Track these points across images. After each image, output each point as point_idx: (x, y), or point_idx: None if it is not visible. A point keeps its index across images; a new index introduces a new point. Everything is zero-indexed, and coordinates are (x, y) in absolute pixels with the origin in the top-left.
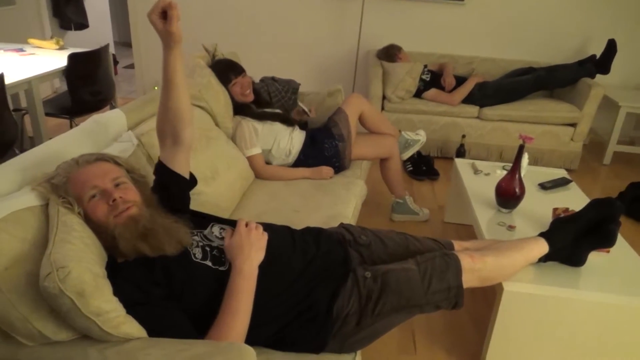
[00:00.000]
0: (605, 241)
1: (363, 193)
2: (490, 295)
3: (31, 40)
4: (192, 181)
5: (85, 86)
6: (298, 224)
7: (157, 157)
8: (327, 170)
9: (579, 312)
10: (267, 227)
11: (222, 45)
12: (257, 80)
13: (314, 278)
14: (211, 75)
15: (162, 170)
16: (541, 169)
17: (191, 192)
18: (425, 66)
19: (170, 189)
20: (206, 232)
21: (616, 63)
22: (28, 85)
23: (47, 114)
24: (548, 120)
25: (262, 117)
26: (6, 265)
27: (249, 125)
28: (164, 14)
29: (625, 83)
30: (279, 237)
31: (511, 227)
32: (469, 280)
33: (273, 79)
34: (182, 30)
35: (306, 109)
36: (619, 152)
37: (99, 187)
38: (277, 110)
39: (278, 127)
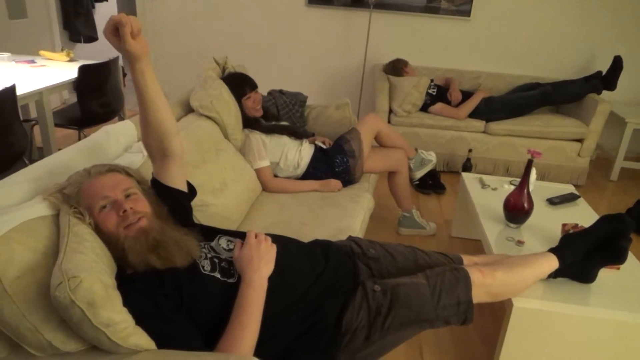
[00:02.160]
0: (616, 258)
1: (370, 206)
2: (498, 312)
3: (42, 52)
4: (191, 192)
5: (95, 98)
6: (306, 237)
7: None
8: (335, 183)
9: (590, 329)
10: (276, 239)
11: (230, 58)
12: (264, 93)
13: (323, 291)
14: (223, 87)
15: (156, 187)
16: (549, 184)
17: (200, 204)
18: (432, 80)
19: (169, 204)
20: (213, 244)
21: (622, 79)
22: (39, 96)
23: (56, 125)
24: (555, 135)
25: (270, 131)
26: (17, 275)
27: (257, 138)
28: (117, 31)
29: (631, 99)
30: (288, 249)
31: (520, 242)
32: (478, 295)
33: (280, 91)
34: (193, 41)
35: (321, 145)
36: (626, 168)
37: (110, 197)
38: (285, 123)
39: (286, 140)
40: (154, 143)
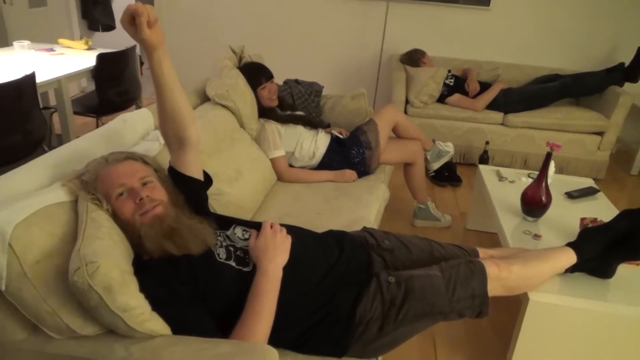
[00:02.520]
0: (636, 253)
1: (386, 197)
2: (513, 305)
3: (61, 41)
4: (207, 181)
5: (112, 86)
6: (320, 227)
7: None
8: (350, 173)
9: (607, 325)
10: (290, 230)
11: (247, 48)
12: (280, 83)
13: (337, 282)
14: (239, 77)
15: (173, 175)
16: (567, 177)
17: (215, 193)
18: (449, 71)
19: (185, 193)
20: (229, 233)
21: None
22: (58, 84)
23: (74, 113)
24: (574, 128)
25: (285, 120)
26: (37, 259)
27: (273, 127)
28: (134, 21)
29: None
30: (302, 240)
31: (537, 236)
32: (494, 288)
33: (296, 81)
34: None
35: (338, 135)
36: None
37: (127, 185)
38: (300, 113)
39: (301, 129)
40: (171, 131)
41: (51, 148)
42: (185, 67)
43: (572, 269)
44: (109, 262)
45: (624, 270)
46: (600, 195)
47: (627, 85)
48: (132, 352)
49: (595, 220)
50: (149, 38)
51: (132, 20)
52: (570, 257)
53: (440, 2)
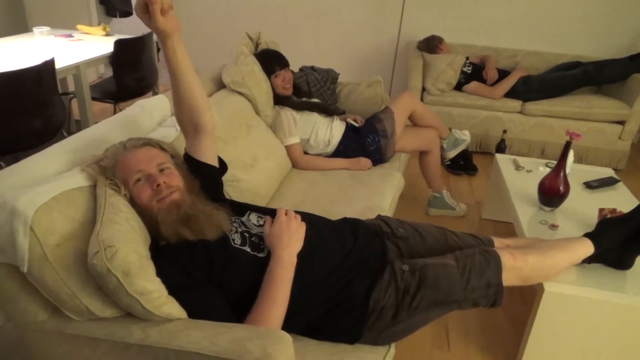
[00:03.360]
0: None
1: (400, 185)
2: (528, 295)
3: (79, 27)
4: (222, 167)
5: (130, 72)
6: (335, 214)
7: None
8: (365, 161)
9: (624, 317)
10: (305, 217)
11: (263, 34)
12: (296, 69)
13: (351, 270)
14: (255, 64)
15: (189, 162)
16: (587, 167)
17: (230, 180)
18: (467, 58)
19: (201, 179)
20: (244, 219)
21: None
22: (76, 70)
23: (93, 99)
24: (595, 117)
25: (301, 107)
26: (57, 242)
27: (288, 114)
28: (148, 9)
29: None
30: (317, 227)
31: (553, 226)
32: (509, 278)
33: (312, 68)
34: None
35: (353, 122)
36: None
37: (145, 171)
38: (316, 100)
39: (316, 117)
40: (186, 118)
41: (70, 134)
42: (201, 53)
43: (589, 260)
44: (127, 246)
45: None
46: (620, 185)
47: None
48: (149, 334)
49: (614, 210)
50: (163, 26)
51: (145, 9)
52: (587, 248)
53: None
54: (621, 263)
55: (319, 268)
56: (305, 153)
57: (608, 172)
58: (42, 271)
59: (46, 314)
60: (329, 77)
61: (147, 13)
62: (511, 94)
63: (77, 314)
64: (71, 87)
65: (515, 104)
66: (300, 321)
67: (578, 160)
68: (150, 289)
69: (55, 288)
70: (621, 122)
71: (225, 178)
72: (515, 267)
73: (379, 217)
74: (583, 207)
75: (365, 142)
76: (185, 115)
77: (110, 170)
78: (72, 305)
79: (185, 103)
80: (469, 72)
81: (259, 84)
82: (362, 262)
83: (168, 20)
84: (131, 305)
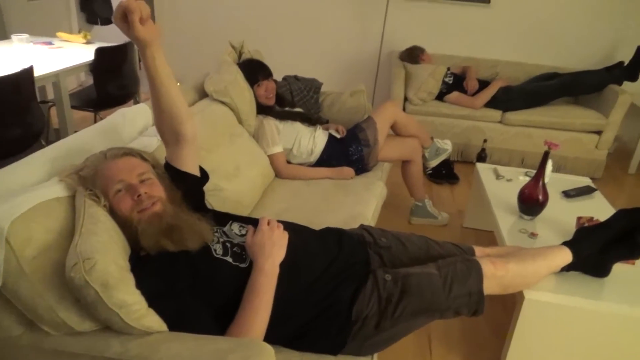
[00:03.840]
0: (632, 253)
1: (383, 194)
2: (509, 303)
3: (60, 34)
4: (204, 177)
5: (111, 80)
6: (318, 223)
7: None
8: (348, 170)
9: (602, 324)
10: (288, 226)
11: (247, 43)
12: (279, 78)
13: (334, 279)
14: (238, 73)
15: (170, 171)
16: (565, 176)
17: (213, 189)
18: (448, 69)
19: (182, 189)
20: (225, 229)
21: None
22: (56, 77)
23: (72, 107)
24: (572, 127)
25: (283, 117)
26: (34, 254)
27: (271, 124)
28: (127, 17)
29: None
30: (300, 236)
31: (533, 235)
32: (490, 286)
33: (296, 77)
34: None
35: (335, 133)
36: None
37: (125, 181)
38: (299, 110)
39: (299, 126)
40: (166, 127)
41: (49, 142)
42: (185, 62)
43: (567, 268)
44: (106, 258)
45: (619, 269)
46: (597, 194)
47: (626, 84)
48: (128, 348)
49: (591, 219)
50: (142, 35)
51: (124, 17)
52: (566, 256)
53: None
54: (599, 271)
55: (301, 277)
56: (289, 162)
57: (585, 181)
58: (18, 284)
59: (21, 328)
60: (312, 87)
61: (125, 22)
62: (492, 103)
63: (54, 328)
64: (50, 95)
65: (496, 113)
66: (283, 331)
67: (557, 169)
68: (129, 301)
69: (31, 301)
70: (598, 132)
71: (207, 187)
72: (496, 275)
73: (361, 226)
74: (562, 215)
75: (348, 151)
76: (166, 124)
77: (90, 180)
78: (49, 319)
79: (165, 112)
80: (450, 82)
81: (242, 93)
82: (345, 271)
83: (146, 29)
84: (110, 318)
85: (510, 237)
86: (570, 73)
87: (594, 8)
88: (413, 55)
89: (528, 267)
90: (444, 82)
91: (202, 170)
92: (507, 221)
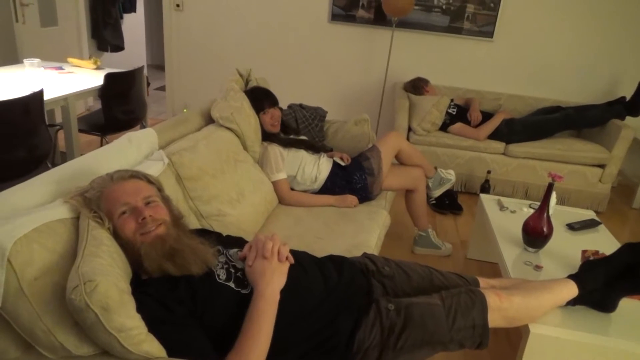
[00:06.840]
0: (638, 287)
1: (386, 223)
2: (513, 337)
3: (70, 59)
4: None
5: (119, 105)
6: (320, 251)
7: (184, 177)
8: (351, 198)
9: (608, 359)
10: (290, 253)
11: (253, 71)
12: (285, 106)
13: (335, 307)
14: (244, 100)
15: None
16: (569, 209)
17: (216, 214)
18: (452, 100)
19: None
20: (230, 253)
21: None
22: (65, 102)
23: (80, 131)
24: (576, 160)
25: (288, 144)
26: (35, 276)
27: (275, 150)
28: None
29: None
30: (301, 263)
31: (538, 267)
32: (494, 319)
33: (301, 106)
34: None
35: (339, 161)
36: None
37: (130, 204)
38: (304, 137)
39: (303, 153)
40: None
41: (54, 165)
42: (192, 88)
43: (573, 302)
44: (108, 281)
45: (627, 304)
46: (602, 227)
47: (629, 119)
48: None
49: (597, 252)
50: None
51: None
52: (571, 290)
53: (444, 33)
54: (605, 305)
55: (302, 304)
56: (292, 189)
57: (590, 214)
58: (18, 305)
59: (18, 351)
60: (317, 115)
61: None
62: (495, 135)
63: (51, 351)
64: (59, 119)
65: (499, 145)
66: (283, 359)
67: (560, 202)
68: (129, 325)
69: (29, 323)
70: (601, 166)
71: (211, 212)
72: (501, 307)
73: (364, 254)
74: (566, 248)
75: (352, 179)
76: None
77: (94, 202)
78: (47, 341)
79: None
80: (454, 113)
81: (248, 119)
82: (347, 298)
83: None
84: (109, 342)
85: (514, 269)
86: (574, 107)
87: (596, 44)
88: (417, 86)
89: (533, 299)
90: (447, 113)
91: None
92: (511, 253)
